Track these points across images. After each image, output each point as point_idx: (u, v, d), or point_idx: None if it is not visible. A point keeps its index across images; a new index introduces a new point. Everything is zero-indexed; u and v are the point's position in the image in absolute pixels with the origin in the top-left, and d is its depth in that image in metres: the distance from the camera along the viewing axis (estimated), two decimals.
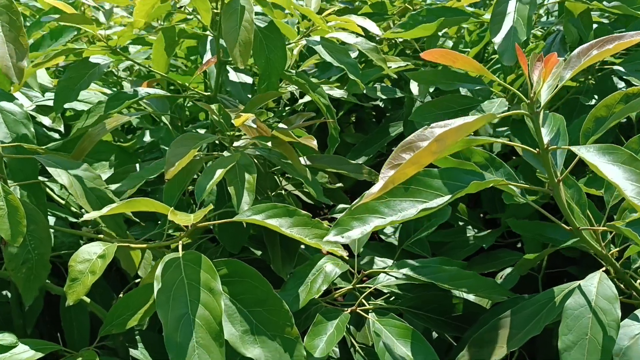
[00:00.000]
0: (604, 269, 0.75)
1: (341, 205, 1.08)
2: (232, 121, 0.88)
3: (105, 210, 0.70)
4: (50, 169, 0.84)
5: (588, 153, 0.63)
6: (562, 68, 0.67)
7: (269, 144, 0.85)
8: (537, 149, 0.70)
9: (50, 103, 1.12)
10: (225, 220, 0.78)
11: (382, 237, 1.16)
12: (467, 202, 1.33)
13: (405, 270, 0.90)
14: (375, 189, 0.61)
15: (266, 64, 0.94)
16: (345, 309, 0.86)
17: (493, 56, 1.39)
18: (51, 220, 1.10)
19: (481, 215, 1.36)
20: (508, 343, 0.75)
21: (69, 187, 0.84)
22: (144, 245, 0.83)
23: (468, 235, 1.24)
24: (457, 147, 0.72)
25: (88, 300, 0.91)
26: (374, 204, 0.67)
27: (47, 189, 1.00)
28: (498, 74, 1.24)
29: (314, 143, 0.85)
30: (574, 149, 0.64)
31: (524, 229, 0.98)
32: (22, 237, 0.76)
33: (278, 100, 1.42)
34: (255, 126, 0.91)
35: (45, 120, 1.12)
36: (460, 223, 1.28)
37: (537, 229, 0.95)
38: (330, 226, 0.67)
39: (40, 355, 0.79)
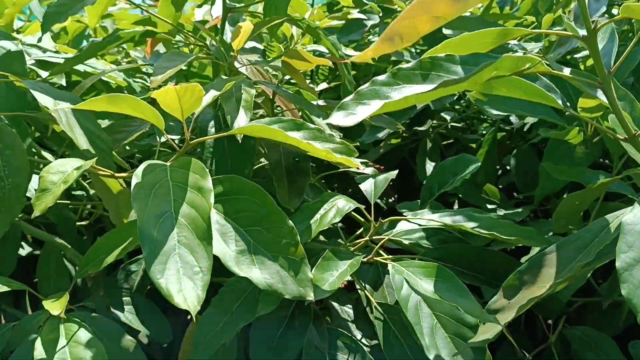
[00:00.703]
0: None
1: None
2: (232, 43, 0.79)
3: (81, 105, 0.61)
4: (36, 94, 0.76)
5: None
6: None
7: (278, 63, 0.75)
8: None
9: (52, 59, 1.06)
10: (221, 134, 0.68)
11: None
12: (496, 181, 1.22)
13: (435, 216, 0.78)
14: (375, 44, 0.50)
15: None
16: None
17: None
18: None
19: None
20: (555, 278, 0.62)
21: (53, 113, 0.75)
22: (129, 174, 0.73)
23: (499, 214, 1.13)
24: (491, 40, 0.62)
25: (69, 246, 0.80)
26: (384, 89, 0.56)
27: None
28: None
29: (330, 63, 0.76)
30: None
31: (562, 173, 0.86)
32: None
33: None
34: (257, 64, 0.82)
35: (44, 74, 1.04)
36: (490, 206, 1.17)
37: (576, 173, 0.83)
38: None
39: (5, 288, 0.69)
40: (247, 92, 0.74)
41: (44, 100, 0.76)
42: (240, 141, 0.67)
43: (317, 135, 0.65)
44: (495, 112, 0.79)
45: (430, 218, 0.78)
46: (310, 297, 0.59)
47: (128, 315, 0.83)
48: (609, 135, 0.78)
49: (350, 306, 0.82)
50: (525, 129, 1.24)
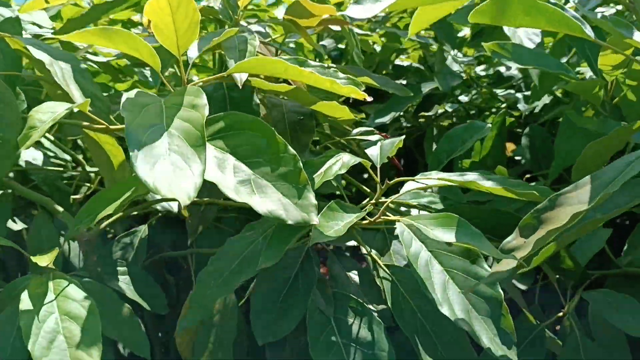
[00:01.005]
0: None
1: None
2: (237, 2, 0.77)
3: (73, 36, 0.58)
4: (32, 50, 0.74)
5: None
6: None
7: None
8: None
9: (49, 34, 1.04)
10: (220, 74, 0.65)
11: None
12: (507, 164, 1.18)
13: (444, 175, 0.74)
14: None
15: None
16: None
17: None
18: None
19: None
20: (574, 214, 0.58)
21: (48, 67, 0.73)
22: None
23: None
24: None
25: (60, 209, 0.77)
26: None
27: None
28: None
29: (335, 10, 0.73)
30: None
31: (587, 122, 0.82)
32: None
33: None
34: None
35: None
36: None
37: (599, 123, 0.79)
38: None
39: None
40: (251, 45, 0.71)
41: (40, 55, 0.73)
42: (240, 87, 0.64)
43: (321, 70, 0.62)
44: (515, 64, 0.75)
45: (439, 177, 0.74)
46: (315, 221, 0.55)
47: (122, 285, 0.79)
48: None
49: (356, 272, 0.78)
50: (535, 111, 1.21)
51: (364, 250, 0.77)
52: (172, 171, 0.47)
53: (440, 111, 1.34)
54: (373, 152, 0.84)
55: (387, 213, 0.75)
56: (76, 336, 0.60)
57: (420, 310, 0.70)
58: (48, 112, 0.60)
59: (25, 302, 0.62)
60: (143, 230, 0.90)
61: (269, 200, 0.55)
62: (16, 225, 0.92)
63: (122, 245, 0.88)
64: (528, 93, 1.31)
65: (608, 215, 0.61)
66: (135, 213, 0.95)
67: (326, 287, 0.73)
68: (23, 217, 0.97)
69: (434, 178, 0.75)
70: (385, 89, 0.86)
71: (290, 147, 0.56)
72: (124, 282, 0.80)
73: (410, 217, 0.68)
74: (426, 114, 1.30)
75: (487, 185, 0.71)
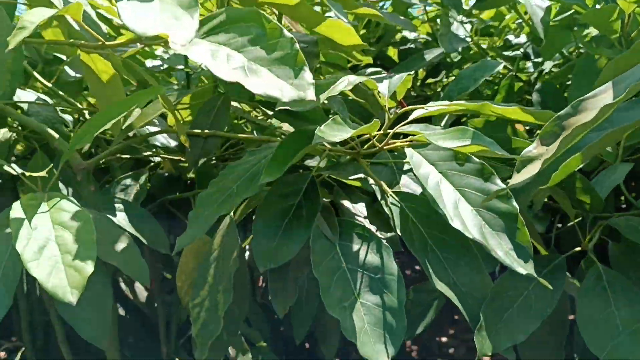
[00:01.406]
0: None
1: None
2: None
3: None
4: None
5: None
6: None
7: None
8: None
9: None
10: None
11: None
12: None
13: (455, 101, 0.71)
14: None
15: None
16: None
17: None
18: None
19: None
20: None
21: None
22: (124, 40, 0.67)
23: None
24: None
25: (56, 136, 0.74)
26: None
27: None
28: None
29: None
30: None
31: (597, 50, 0.79)
32: None
33: None
34: None
35: None
36: None
37: (612, 53, 0.76)
38: None
39: None
40: None
41: None
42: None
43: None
44: None
45: (450, 103, 0.71)
46: (310, 97, 0.52)
47: (121, 220, 0.76)
48: None
49: (363, 204, 0.75)
50: (544, 73, 1.18)
51: (371, 181, 0.74)
52: (168, 19, 0.44)
53: (445, 80, 1.32)
54: (382, 87, 0.81)
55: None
56: (69, 244, 0.57)
57: (430, 236, 0.67)
58: (39, 15, 0.58)
59: (16, 211, 0.59)
60: (144, 174, 0.87)
61: (263, 82, 0.52)
62: (13, 170, 0.90)
63: (122, 187, 0.85)
64: (538, 60, 1.28)
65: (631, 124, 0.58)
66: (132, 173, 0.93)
67: (331, 215, 0.70)
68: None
69: (445, 104, 0.72)
70: (393, 23, 0.84)
71: (286, 31, 0.54)
72: (123, 218, 0.77)
73: (420, 136, 0.65)
74: (433, 79, 1.27)
75: (502, 107, 0.68)
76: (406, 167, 0.80)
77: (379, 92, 0.73)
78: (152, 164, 0.91)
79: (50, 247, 0.56)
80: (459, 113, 0.75)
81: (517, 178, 0.59)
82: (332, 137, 0.58)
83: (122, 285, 1.28)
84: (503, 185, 0.62)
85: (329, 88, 0.68)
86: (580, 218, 0.78)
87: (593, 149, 0.61)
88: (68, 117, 1.04)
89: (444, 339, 2.98)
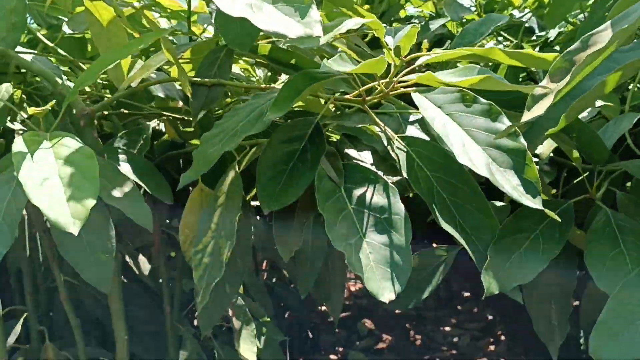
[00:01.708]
0: None
1: None
2: None
3: None
4: None
5: None
6: None
7: None
8: None
9: None
10: None
11: None
12: None
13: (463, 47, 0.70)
14: None
15: None
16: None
17: None
18: None
19: None
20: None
21: None
22: None
23: None
24: None
25: (60, 81, 0.74)
26: None
27: None
28: None
29: None
30: None
31: None
32: None
33: None
34: None
35: None
36: None
37: None
38: None
39: None
40: None
41: None
42: None
43: None
44: None
45: (456, 49, 0.71)
46: (318, 33, 0.51)
47: (125, 169, 0.76)
48: None
49: (369, 152, 0.75)
50: (550, 40, 1.18)
51: (376, 129, 0.73)
52: None
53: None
54: (387, 37, 0.80)
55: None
56: (72, 178, 0.56)
57: (436, 179, 0.66)
58: None
59: (19, 145, 0.59)
60: (147, 129, 0.87)
61: (270, 19, 0.51)
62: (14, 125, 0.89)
63: (125, 141, 0.85)
64: (542, 33, 1.28)
65: None
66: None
67: (337, 160, 0.69)
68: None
69: (451, 51, 0.71)
70: None
71: None
72: (127, 167, 0.77)
73: (428, 74, 0.65)
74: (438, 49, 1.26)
75: (511, 52, 0.68)
76: (412, 117, 0.79)
77: (385, 42, 0.72)
78: (156, 124, 0.90)
79: (53, 180, 0.56)
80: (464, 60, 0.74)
81: (529, 115, 0.58)
82: (338, 67, 0.57)
83: (127, 258, 1.28)
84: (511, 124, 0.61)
85: (333, 30, 0.67)
86: (587, 173, 0.77)
87: (599, 90, 0.60)
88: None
89: (447, 329, 2.97)
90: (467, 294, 3.48)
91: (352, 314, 3.19)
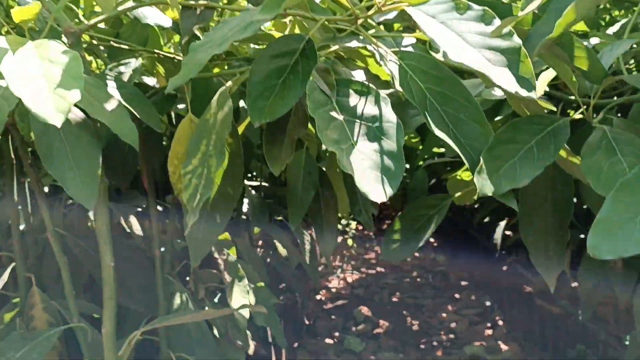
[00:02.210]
0: None
1: None
2: None
3: None
4: None
5: None
6: None
7: None
8: None
9: None
10: None
11: None
12: None
13: None
14: None
15: None
16: None
17: None
18: None
19: None
20: None
21: None
22: None
23: None
24: None
25: None
26: None
27: None
28: None
29: None
30: None
31: None
32: None
33: None
34: None
35: None
36: None
37: None
38: None
39: None
40: None
41: None
42: None
43: None
44: None
45: None
46: None
47: (112, 91, 0.74)
48: None
49: (361, 71, 0.73)
50: None
51: (369, 48, 0.72)
52: None
53: None
54: None
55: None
56: (56, 75, 0.55)
57: (429, 91, 0.65)
58: None
59: (1, 43, 0.57)
60: (137, 60, 0.85)
61: None
62: None
63: (114, 74, 0.83)
64: None
65: None
66: None
67: (328, 74, 0.68)
68: None
69: None
70: None
71: None
72: (115, 92, 0.75)
73: None
74: None
75: None
76: (405, 42, 0.78)
77: None
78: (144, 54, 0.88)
79: (37, 75, 0.54)
80: None
81: (526, 10, 0.57)
82: None
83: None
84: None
85: None
86: (585, 107, 0.76)
87: None
88: None
89: (444, 315, 2.96)
90: (464, 282, 3.47)
91: (350, 302, 3.18)
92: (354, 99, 0.65)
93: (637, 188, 0.54)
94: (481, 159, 0.61)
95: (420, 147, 1.78)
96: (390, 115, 0.63)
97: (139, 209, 1.36)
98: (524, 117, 0.68)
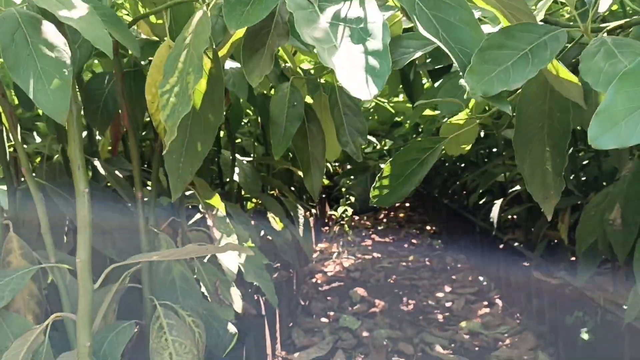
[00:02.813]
0: None
1: None
2: None
3: None
4: None
5: None
6: None
7: None
8: None
9: None
10: None
11: None
12: None
13: None
14: None
15: None
16: None
17: None
18: None
19: None
20: None
21: None
22: None
23: None
24: None
25: None
26: None
27: None
28: None
29: None
30: None
31: None
32: None
33: None
34: None
35: None
36: None
37: None
38: None
39: None
40: None
41: None
42: None
43: None
44: None
45: None
46: None
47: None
48: None
49: None
50: None
51: None
52: None
53: None
54: None
55: None
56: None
57: (440, 20, 0.61)
58: None
59: None
60: None
61: None
62: None
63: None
64: None
65: None
66: None
67: None
68: None
69: None
70: None
71: None
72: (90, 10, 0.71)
73: None
74: None
75: None
76: None
77: None
78: None
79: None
80: None
81: None
82: None
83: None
84: None
85: None
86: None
87: None
88: None
89: (440, 294, 2.92)
90: (460, 265, 3.44)
91: (345, 284, 3.14)
92: (337, 4, 0.61)
93: (638, 78, 0.50)
94: (472, 60, 0.57)
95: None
96: (375, 15, 0.59)
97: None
98: (518, 24, 0.64)
